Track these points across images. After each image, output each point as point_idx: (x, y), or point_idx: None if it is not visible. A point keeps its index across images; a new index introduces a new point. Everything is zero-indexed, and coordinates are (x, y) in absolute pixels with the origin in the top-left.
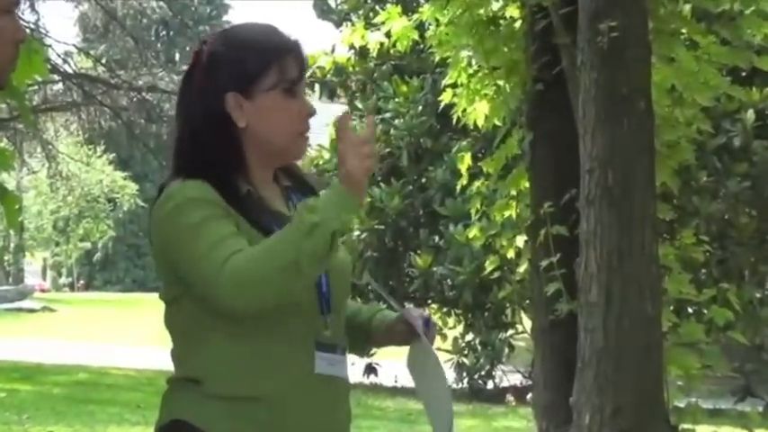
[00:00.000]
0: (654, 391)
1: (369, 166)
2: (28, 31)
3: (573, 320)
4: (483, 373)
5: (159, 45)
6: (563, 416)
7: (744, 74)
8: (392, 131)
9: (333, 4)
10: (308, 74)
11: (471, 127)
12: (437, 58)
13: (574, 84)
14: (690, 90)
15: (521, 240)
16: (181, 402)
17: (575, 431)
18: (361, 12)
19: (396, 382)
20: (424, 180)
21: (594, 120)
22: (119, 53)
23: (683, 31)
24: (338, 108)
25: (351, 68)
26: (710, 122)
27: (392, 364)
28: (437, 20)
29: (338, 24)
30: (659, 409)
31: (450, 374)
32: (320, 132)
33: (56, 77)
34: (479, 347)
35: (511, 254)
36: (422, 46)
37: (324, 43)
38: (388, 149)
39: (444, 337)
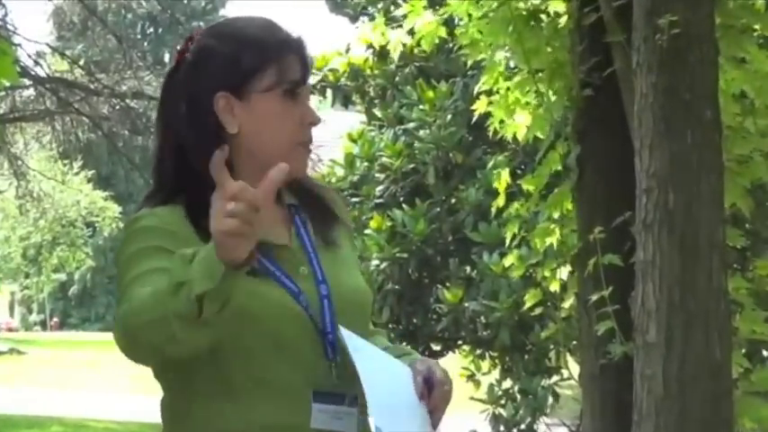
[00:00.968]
0: None
1: (229, 227)
2: None
3: (628, 365)
4: (523, 426)
5: (146, 44)
6: None
7: None
8: (416, 144)
9: None
10: (319, 77)
11: (509, 139)
12: (470, 61)
13: (628, 89)
14: (763, 96)
15: (566, 271)
16: None
17: None
18: (380, 5)
19: None
20: (453, 201)
21: (653, 131)
22: (99, 54)
23: (756, 27)
24: (354, 117)
25: (368, 71)
26: None
27: None
28: (469, 15)
29: (354, 20)
30: None
31: (484, 429)
32: (333, 145)
33: (26, 82)
34: (519, 396)
35: (555, 287)
36: (451, 45)
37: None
38: (411, 165)
39: (478, 384)
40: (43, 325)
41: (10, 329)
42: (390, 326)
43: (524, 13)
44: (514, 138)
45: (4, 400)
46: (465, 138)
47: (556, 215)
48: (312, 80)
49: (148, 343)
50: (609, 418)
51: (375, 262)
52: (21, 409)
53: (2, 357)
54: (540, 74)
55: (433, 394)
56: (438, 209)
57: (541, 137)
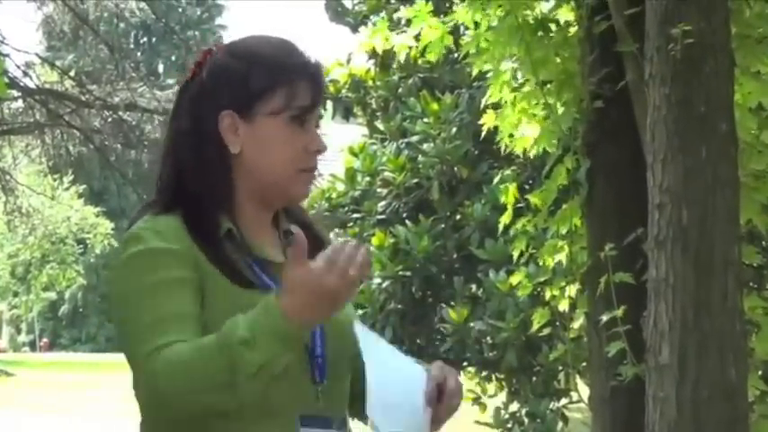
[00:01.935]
0: None
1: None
2: None
3: (640, 387)
4: None
5: (139, 54)
6: None
7: None
8: (420, 158)
9: (349, 5)
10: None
11: (516, 153)
12: (475, 71)
13: (640, 101)
14: None
15: (575, 290)
16: None
17: None
18: (382, 14)
19: None
20: (458, 217)
21: (666, 145)
22: (90, 64)
23: None
24: (355, 130)
25: (370, 82)
26: None
27: None
28: (475, 23)
29: (355, 29)
30: None
31: None
32: (333, 160)
33: (14, 93)
34: (526, 420)
35: (563, 306)
36: (456, 54)
37: (338, 52)
38: (415, 180)
39: (484, 407)
40: (32, 345)
41: None
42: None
43: (532, 21)
44: (522, 151)
45: None
46: (470, 151)
47: (565, 231)
48: None
49: (200, 408)
50: None
51: (377, 280)
52: None
53: None
54: (549, 85)
55: (440, 404)
56: (442, 225)
57: (549, 150)
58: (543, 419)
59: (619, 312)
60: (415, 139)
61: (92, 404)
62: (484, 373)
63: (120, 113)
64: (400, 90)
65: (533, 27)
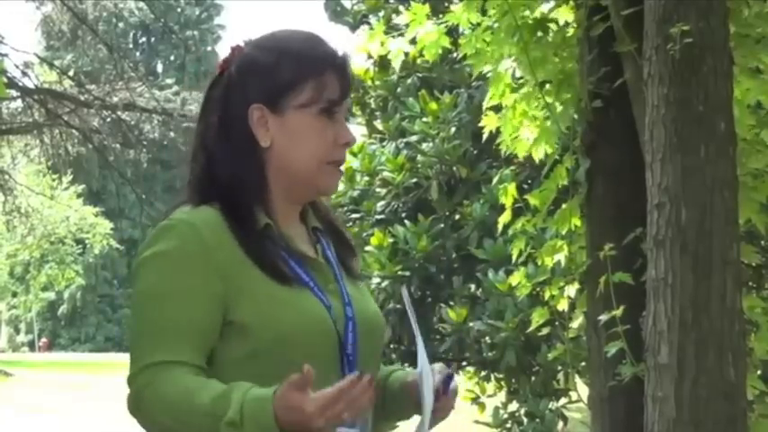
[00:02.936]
0: None
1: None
2: None
3: (639, 387)
4: None
5: (138, 54)
6: None
7: None
8: (419, 158)
9: (348, 5)
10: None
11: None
12: (475, 73)
13: (639, 101)
14: None
15: (574, 290)
16: None
17: None
18: (381, 14)
19: None
20: (457, 217)
21: (664, 144)
22: (89, 64)
23: None
24: (354, 130)
25: (369, 82)
26: None
27: None
28: (473, 24)
29: (354, 29)
30: None
31: None
32: None
33: (13, 93)
34: (525, 419)
35: (563, 306)
36: (455, 54)
37: None
38: (414, 180)
39: (482, 406)
40: (31, 346)
41: None
42: (392, 346)
43: (530, 21)
44: (524, 155)
45: None
46: (469, 151)
47: (564, 231)
48: None
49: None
50: None
51: (376, 280)
52: None
53: None
54: (547, 85)
55: (444, 399)
56: (441, 225)
57: (549, 151)
58: (542, 419)
59: (618, 312)
60: (413, 138)
61: (90, 404)
62: (483, 373)
63: (119, 113)
64: (399, 90)
65: (531, 27)
